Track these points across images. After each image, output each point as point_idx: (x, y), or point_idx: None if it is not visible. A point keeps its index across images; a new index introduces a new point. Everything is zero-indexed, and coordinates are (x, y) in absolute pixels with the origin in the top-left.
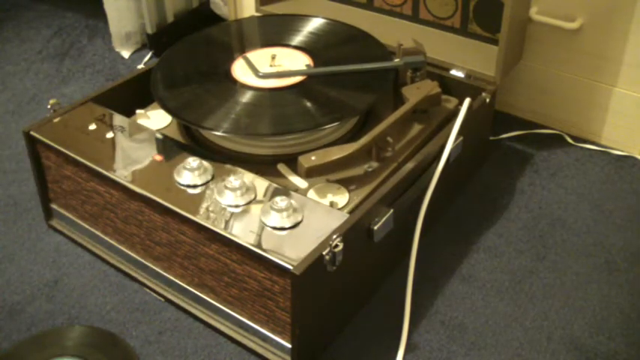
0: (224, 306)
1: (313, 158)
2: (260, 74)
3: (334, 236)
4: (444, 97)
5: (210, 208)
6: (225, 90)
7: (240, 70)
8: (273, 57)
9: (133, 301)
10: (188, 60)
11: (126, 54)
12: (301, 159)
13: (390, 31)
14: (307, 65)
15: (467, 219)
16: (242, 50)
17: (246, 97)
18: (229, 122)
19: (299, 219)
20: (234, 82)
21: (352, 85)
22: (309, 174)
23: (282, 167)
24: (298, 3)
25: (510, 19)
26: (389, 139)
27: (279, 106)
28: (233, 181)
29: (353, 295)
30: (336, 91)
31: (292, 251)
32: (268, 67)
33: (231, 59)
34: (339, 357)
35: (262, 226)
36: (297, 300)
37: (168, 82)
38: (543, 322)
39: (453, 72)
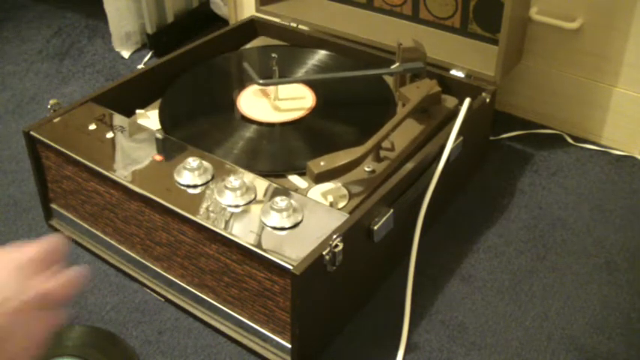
0: (224, 306)
1: (322, 163)
2: (260, 82)
3: (334, 236)
4: (443, 96)
5: (210, 208)
6: (229, 124)
7: (245, 104)
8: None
9: (133, 301)
10: (192, 97)
11: (126, 54)
12: (311, 164)
13: (390, 31)
14: (305, 76)
15: (467, 219)
16: (243, 84)
17: (250, 131)
18: (231, 158)
19: (299, 219)
20: (240, 116)
21: (354, 121)
22: (318, 179)
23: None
24: (298, 3)
25: (510, 19)
26: (389, 139)
27: (282, 142)
28: (233, 181)
29: (353, 295)
30: (338, 127)
31: (292, 251)
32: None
33: (235, 93)
34: (339, 357)
35: (262, 226)
36: (297, 300)
37: (175, 119)
38: (543, 322)
39: (453, 72)
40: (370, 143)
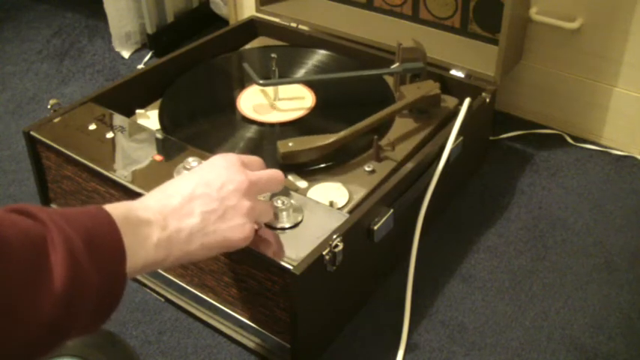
0: (224, 306)
1: (290, 144)
2: (260, 82)
3: (334, 236)
4: (443, 96)
5: None
6: (229, 124)
7: (245, 105)
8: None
9: (133, 301)
10: (192, 97)
11: (126, 54)
12: (279, 144)
13: (390, 31)
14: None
15: (467, 219)
16: (243, 85)
17: (250, 131)
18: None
19: (299, 219)
20: (240, 116)
21: (354, 121)
22: (284, 159)
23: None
24: (298, 3)
25: (510, 19)
26: (389, 139)
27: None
28: None
29: (353, 295)
30: (338, 128)
31: (292, 251)
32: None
33: (235, 93)
34: (339, 357)
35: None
36: (297, 300)
37: (175, 119)
38: (543, 322)
39: (453, 72)
40: (344, 133)
